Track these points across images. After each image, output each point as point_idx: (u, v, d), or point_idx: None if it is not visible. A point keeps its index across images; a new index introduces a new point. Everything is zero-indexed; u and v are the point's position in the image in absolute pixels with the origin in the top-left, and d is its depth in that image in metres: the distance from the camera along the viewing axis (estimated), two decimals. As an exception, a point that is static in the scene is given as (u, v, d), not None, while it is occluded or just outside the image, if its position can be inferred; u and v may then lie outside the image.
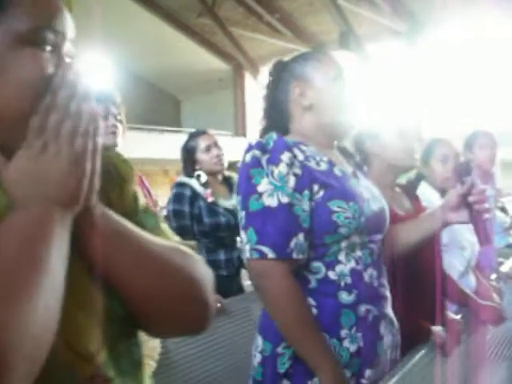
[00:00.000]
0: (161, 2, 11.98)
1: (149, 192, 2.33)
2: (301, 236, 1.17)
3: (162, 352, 2.11)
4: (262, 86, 1.43)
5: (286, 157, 1.19)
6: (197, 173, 2.56)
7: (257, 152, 1.21)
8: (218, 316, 2.35)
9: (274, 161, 1.19)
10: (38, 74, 0.61)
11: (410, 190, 1.92)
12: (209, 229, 2.47)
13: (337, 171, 1.28)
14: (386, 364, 1.32)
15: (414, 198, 1.88)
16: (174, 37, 13.53)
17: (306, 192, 1.19)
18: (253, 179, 1.19)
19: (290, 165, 1.19)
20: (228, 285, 2.48)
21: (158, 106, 16.85)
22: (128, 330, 0.69)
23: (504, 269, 2.90)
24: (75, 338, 0.60)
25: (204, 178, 2.56)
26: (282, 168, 1.18)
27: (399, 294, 1.54)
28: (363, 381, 1.23)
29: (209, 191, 2.52)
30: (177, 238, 0.80)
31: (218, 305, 2.32)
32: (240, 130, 13.46)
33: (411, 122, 1.76)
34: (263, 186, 1.17)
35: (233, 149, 3.16)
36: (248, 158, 1.22)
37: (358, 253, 1.25)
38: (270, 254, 1.14)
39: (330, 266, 1.22)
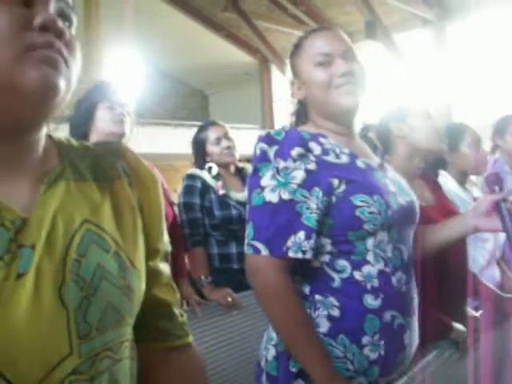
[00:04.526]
0: (186, -2, 12.04)
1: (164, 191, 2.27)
2: (301, 234, 1.10)
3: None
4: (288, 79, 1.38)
5: (295, 152, 1.14)
6: (208, 165, 2.51)
7: (264, 145, 1.17)
8: (229, 311, 2.30)
9: (283, 155, 1.14)
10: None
11: (429, 178, 1.82)
12: (220, 222, 2.41)
13: (360, 163, 1.21)
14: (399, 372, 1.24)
15: (436, 188, 1.78)
16: (200, 32, 13.55)
17: (317, 189, 1.12)
18: (259, 172, 1.15)
19: (300, 160, 1.13)
20: (240, 279, 2.40)
21: (186, 101, 16.90)
22: None
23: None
24: None
25: (215, 170, 2.49)
26: (289, 163, 1.12)
27: (421, 290, 1.47)
28: None
29: (220, 183, 2.45)
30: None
31: (229, 299, 2.26)
32: (268, 122, 13.37)
33: (439, 106, 1.68)
34: (266, 180, 1.13)
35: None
36: (256, 150, 1.18)
37: (389, 254, 1.17)
38: (264, 251, 1.10)
39: (357, 265, 1.15)
